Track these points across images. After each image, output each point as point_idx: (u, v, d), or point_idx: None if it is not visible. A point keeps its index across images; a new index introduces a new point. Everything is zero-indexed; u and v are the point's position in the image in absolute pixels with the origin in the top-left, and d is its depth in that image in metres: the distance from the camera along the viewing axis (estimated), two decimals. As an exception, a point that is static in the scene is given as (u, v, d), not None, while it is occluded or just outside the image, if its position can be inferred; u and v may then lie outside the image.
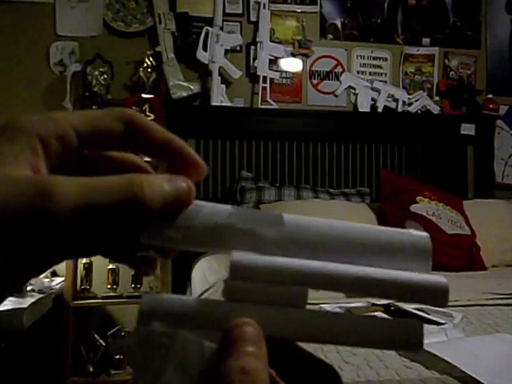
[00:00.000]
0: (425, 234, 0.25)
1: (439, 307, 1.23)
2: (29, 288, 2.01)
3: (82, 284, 2.37)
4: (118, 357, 2.31)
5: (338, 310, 1.21)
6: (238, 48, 2.81)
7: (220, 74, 2.68)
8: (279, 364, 0.23)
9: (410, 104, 2.95)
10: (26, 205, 0.20)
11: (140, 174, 0.23)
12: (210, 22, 2.73)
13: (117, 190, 0.22)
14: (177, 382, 0.21)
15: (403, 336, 0.23)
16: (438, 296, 0.23)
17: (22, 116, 0.24)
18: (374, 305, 1.28)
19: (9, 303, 1.80)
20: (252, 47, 2.83)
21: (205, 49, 2.66)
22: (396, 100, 2.93)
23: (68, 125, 0.24)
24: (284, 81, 2.88)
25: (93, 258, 2.35)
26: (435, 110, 2.97)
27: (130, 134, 0.26)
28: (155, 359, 0.21)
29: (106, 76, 2.52)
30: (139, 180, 0.22)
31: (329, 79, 2.94)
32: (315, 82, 2.92)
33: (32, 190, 0.21)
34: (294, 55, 2.89)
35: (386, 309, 1.22)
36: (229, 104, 2.70)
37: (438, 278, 0.24)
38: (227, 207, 0.24)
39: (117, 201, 0.22)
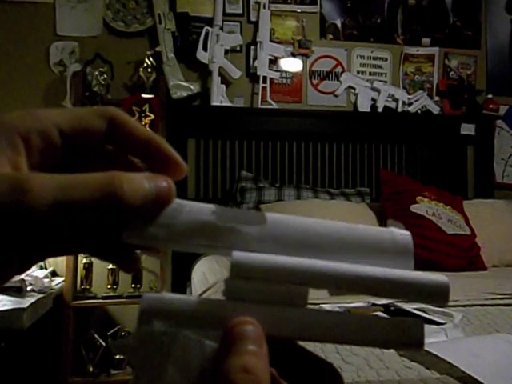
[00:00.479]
0: (406, 232, 0.25)
1: (440, 306, 1.23)
2: (29, 288, 2.01)
3: (81, 284, 2.37)
4: (117, 357, 2.31)
5: (338, 309, 1.21)
6: (238, 48, 2.81)
7: (220, 74, 2.68)
8: (280, 363, 0.23)
9: (410, 104, 2.95)
10: (0, 201, 0.20)
11: (121, 172, 0.23)
12: (210, 22, 2.73)
13: (96, 187, 0.22)
14: (178, 381, 0.21)
15: (404, 335, 0.23)
16: (438, 294, 0.23)
17: (3, 113, 0.24)
18: (374, 305, 1.28)
19: (9, 303, 1.80)
20: (252, 47, 2.83)
21: (205, 49, 2.66)
22: (396, 100, 2.93)
23: (50, 121, 0.24)
24: (284, 81, 2.88)
25: (93, 258, 2.36)
26: (435, 110, 2.97)
27: (112, 132, 0.26)
28: (156, 358, 0.21)
29: (105, 76, 2.52)
30: (119, 177, 0.22)
31: (329, 79, 2.94)
32: (315, 82, 2.92)
33: (7, 186, 0.21)
34: (294, 55, 2.89)
35: (386, 309, 1.22)
36: (229, 104, 2.70)
37: (438, 276, 0.24)
38: (209, 206, 0.24)
39: (95, 197, 0.21)
